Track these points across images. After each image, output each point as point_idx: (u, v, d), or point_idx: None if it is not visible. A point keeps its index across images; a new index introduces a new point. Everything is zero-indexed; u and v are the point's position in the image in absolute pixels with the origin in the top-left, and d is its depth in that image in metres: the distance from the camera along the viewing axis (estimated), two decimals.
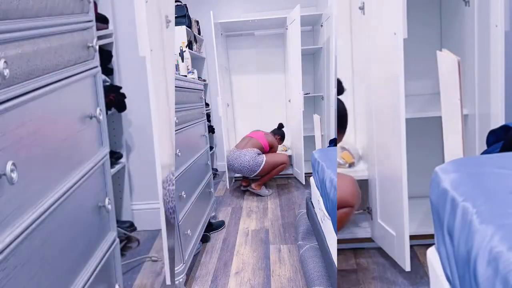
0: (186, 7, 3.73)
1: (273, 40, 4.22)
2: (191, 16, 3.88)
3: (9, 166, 0.70)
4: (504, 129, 1.22)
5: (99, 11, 2.21)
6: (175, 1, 3.67)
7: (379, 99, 1.93)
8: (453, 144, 1.35)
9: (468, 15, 1.86)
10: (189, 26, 3.72)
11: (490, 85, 1.72)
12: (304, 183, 3.72)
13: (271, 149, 3.61)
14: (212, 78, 4.34)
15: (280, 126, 3.92)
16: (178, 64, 3.12)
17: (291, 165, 4.17)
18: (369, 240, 2.12)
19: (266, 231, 2.60)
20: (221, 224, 2.71)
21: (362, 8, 1.99)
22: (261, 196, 3.46)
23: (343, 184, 1.70)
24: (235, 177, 4.08)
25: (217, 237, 2.53)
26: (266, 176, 3.45)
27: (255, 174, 3.37)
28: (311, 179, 2.45)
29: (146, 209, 2.56)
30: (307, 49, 3.90)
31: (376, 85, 1.94)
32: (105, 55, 2.27)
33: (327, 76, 3.63)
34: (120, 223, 2.37)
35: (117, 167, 2.32)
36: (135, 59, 2.37)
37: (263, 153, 3.48)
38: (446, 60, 1.31)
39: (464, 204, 0.78)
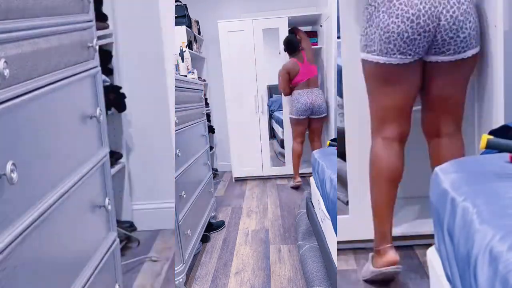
0: (186, 7, 3.73)
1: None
2: (191, 16, 3.88)
3: (9, 166, 0.70)
4: (504, 129, 1.22)
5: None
6: (175, 1, 3.67)
7: None
8: None
9: None
10: (189, 26, 3.72)
11: (492, 85, 1.72)
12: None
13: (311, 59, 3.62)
14: (212, 78, 4.34)
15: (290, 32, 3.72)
16: (178, 64, 3.11)
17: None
18: (369, 240, 2.12)
19: (266, 231, 2.60)
20: (221, 224, 2.71)
21: None
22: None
23: None
24: (235, 178, 4.08)
25: (217, 237, 2.53)
26: None
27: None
28: (311, 179, 2.45)
29: (146, 209, 2.56)
30: None
31: None
32: (105, 55, 2.27)
33: (327, 77, 3.62)
34: (120, 223, 2.37)
35: (117, 167, 2.32)
36: (135, 59, 2.37)
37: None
38: None
39: (464, 204, 0.78)
